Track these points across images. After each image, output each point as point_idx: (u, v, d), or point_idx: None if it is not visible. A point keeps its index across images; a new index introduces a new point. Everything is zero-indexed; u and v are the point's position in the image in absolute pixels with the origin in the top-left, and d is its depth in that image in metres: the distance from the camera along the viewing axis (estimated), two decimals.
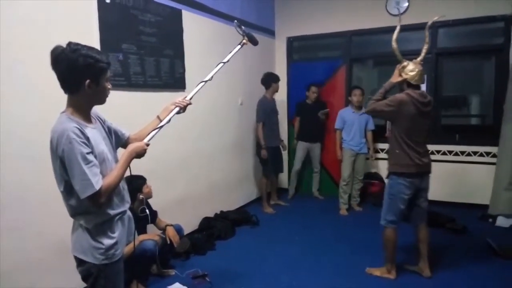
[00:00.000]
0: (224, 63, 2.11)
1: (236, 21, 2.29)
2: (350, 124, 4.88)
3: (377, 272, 3.14)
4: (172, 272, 3.23)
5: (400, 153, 2.86)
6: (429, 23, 2.98)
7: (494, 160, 4.64)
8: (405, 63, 2.89)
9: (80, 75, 1.48)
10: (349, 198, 5.02)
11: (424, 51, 2.97)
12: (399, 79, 2.90)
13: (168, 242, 3.04)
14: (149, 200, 3.12)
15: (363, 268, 3.27)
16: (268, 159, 4.93)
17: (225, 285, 3.06)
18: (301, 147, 5.45)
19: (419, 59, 2.94)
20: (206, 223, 4.17)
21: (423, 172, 2.93)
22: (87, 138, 1.50)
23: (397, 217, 2.96)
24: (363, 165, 4.99)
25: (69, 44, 1.49)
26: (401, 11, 4.93)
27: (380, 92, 2.94)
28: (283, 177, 5.98)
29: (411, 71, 2.85)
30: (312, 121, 5.39)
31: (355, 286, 3.02)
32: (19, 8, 2.35)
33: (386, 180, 3.07)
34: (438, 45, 4.92)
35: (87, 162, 1.46)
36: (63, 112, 1.55)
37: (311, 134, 5.43)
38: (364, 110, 2.97)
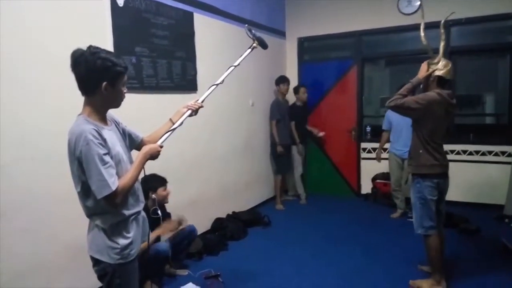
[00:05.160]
0: (235, 66, 2.13)
1: (247, 25, 2.31)
2: (396, 125, 4.49)
3: (424, 284, 2.89)
4: (185, 272, 3.26)
5: (424, 154, 2.74)
6: (443, 21, 2.88)
7: (509, 159, 4.58)
8: (436, 59, 2.75)
9: (97, 77, 1.52)
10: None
11: (442, 48, 2.82)
12: (426, 74, 2.76)
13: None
14: None
15: (375, 270, 3.25)
16: (282, 155, 5.11)
17: (237, 285, 3.08)
18: (299, 150, 5.42)
19: (440, 55, 2.79)
20: (218, 224, 4.20)
21: (446, 173, 2.83)
22: (104, 140, 1.54)
23: (434, 221, 2.78)
24: (405, 174, 4.50)
25: (89, 47, 1.53)
26: (415, 10, 4.89)
27: (407, 87, 2.78)
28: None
29: (445, 66, 2.72)
30: (302, 123, 5.49)
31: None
32: (33, 13, 2.40)
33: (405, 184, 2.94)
34: (451, 44, 4.85)
35: (104, 163, 1.49)
36: (80, 114, 1.59)
37: (303, 136, 5.46)
38: (386, 103, 2.82)
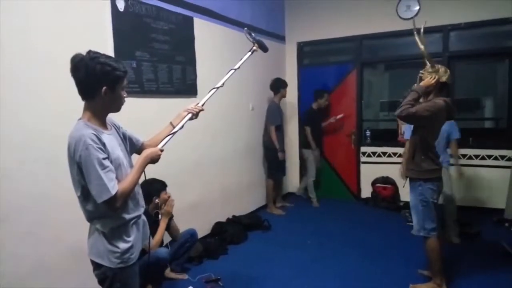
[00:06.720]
0: (235, 69, 2.14)
1: (246, 28, 2.32)
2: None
3: (424, 287, 2.92)
4: (185, 276, 3.25)
5: (426, 159, 2.80)
6: (422, 30, 2.87)
7: (509, 163, 4.58)
8: (436, 67, 2.81)
9: (97, 82, 1.53)
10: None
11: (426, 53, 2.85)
12: (432, 82, 2.79)
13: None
14: None
15: (375, 274, 3.24)
16: (281, 161, 5.10)
17: None
18: (313, 155, 5.39)
19: (439, 65, 2.87)
20: (219, 227, 4.20)
21: (441, 176, 2.91)
22: (103, 144, 1.54)
23: (435, 224, 2.82)
24: (451, 183, 3.88)
25: (89, 52, 1.54)
26: (414, 14, 4.87)
27: (413, 98, 2.77)
28: (294, 183, 6.00)
29: (445, 71, 2.82)
30: (320, 128, 5.46)
31: None
32: (35, 17, 2.41)
33: (402, 187, 2.96)
34: (450, 49, 4.86)
35: (103, 167, 1.50)
36: (80, 118, 1.60)
37: (319, 141, 5.47)
38: (396, 113, 2.80)
